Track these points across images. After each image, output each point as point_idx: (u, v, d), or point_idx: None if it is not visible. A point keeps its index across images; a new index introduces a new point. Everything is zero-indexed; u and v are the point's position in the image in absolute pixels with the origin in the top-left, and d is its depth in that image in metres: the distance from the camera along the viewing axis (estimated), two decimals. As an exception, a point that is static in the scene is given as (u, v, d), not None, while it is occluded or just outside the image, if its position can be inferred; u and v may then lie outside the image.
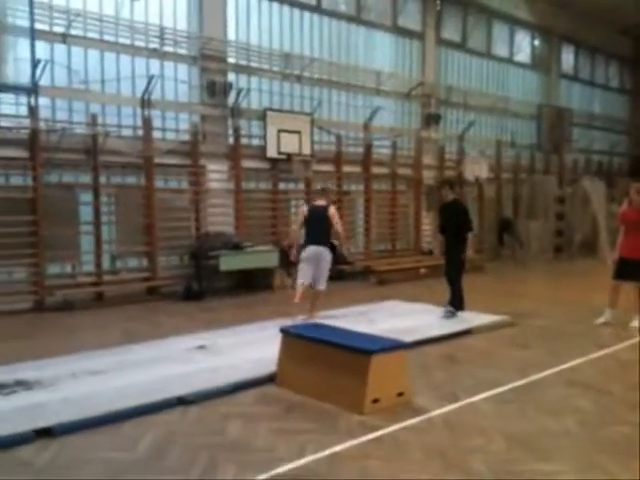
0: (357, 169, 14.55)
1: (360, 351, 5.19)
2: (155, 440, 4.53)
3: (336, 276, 13.12)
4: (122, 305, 10.24)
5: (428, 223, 16.03)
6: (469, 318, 8.59)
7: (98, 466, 4.12)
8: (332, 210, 8.60)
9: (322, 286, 8.58)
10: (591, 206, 17.89)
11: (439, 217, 9.48)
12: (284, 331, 6.02)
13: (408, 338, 6.60)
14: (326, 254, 8.50)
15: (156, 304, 10.49)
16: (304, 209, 8.85)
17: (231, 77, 12.36)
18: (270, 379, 5.86)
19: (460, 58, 17.75)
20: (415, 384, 5.50)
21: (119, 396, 5.29)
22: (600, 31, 21.54)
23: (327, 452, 4.27)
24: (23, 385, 5.66)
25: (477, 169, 16.77)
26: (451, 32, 17.31)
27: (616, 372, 6.38)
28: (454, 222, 8.77)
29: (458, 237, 8.68)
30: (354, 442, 4.45)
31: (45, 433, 4.60)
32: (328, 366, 5.40)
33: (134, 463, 4.17)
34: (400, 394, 5.27)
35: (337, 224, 8.54)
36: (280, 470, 4.00)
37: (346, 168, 14.22)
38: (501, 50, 19.08)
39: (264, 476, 3.93)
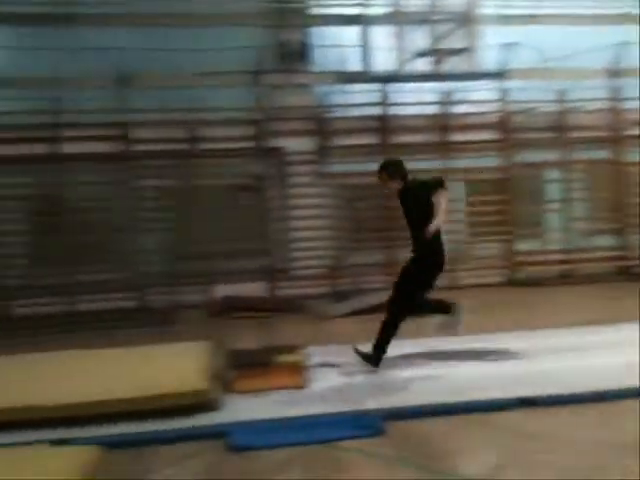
0: None
1: None
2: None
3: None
4: (588, 284, 10.02)
5: None
6: None
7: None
8: None
9: None
10: None
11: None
12: None
13: None
14: None
15: (622, 285, 9.88)
16: None
17: None
18: None
19: None
20: None
21: (599, 377, 5.21)
22: None
23: None
24: (504, 354, 6.06)
25: None
26: None
27: None
28: (414, 213, 5.60)
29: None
30: None
31: (527, 402, 4.84)
32: None
33: (623, 447, 4.06)
34: None
35: None
36: None
37: None
38: None
39: None
